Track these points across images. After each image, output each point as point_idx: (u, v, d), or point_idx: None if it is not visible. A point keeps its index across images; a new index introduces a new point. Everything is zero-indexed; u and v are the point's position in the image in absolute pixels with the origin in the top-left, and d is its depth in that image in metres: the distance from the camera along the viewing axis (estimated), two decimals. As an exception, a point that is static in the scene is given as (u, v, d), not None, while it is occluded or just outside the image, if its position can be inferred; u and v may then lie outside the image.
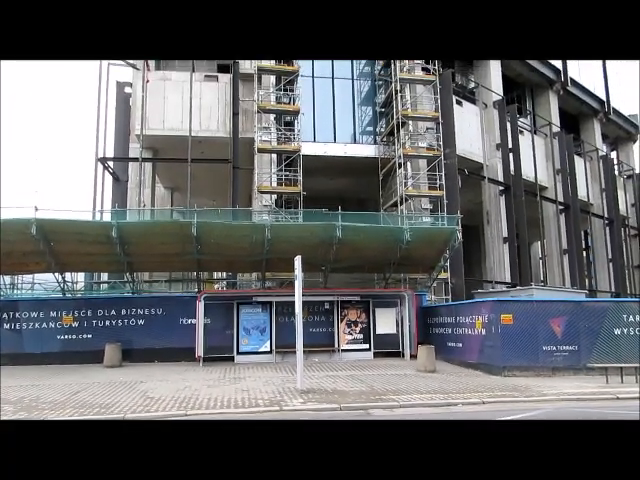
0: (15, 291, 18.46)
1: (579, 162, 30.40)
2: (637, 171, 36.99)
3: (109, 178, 22.83)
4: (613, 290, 29.99)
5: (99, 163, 21.27)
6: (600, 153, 32.99)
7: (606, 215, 31.59)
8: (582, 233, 30.66)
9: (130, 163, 22.22)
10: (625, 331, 12.97)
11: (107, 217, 20.89)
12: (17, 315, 15.84)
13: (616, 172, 34.99)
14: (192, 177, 19.80)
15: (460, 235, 16.55)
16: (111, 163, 22.69)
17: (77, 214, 19.20)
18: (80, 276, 18.89)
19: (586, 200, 30.42)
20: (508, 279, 23.01)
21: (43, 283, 18.01)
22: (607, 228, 31.62)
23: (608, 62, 34.53)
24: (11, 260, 15.44)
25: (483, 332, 13.43)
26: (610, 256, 31.11)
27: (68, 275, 17.26)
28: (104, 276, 20.72)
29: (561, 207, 27.71)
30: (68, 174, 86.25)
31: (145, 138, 20.39)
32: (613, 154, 38.49)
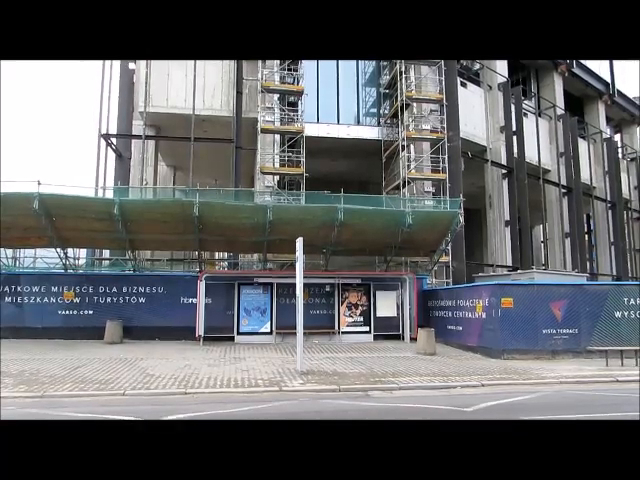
0: (17, 264, 18.58)
1: (583, 145, 30.24)
2: (641, 154, 36.81)
3: (112, 155, 22.78)
4: (614, 273, 30.11)
5: (102, 139, 21.18)
6: (604, 136, 32.78)
7: (609, 198, 31.53)
8: (584, 216, 30.63)
9: (133, 140, 22.14)
10: (626, 314, 13.06)
11: (109, 194, 20.91)
12: (19, 289, 15.98)
13: (620, 155, 34.81)
14: (195, 156, 19.75)
15: (462, 219, 16.57)
16: (114, 140, 22.60)
17: (80, 190, 19.14)
18: (82, 252, 19.01)
19: (589, 183, 30.33)
20: (509, 263, 23.10)
21: (45, 258, 18.11)
22: (609, 211, 31.60)
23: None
24: (12, 234, 15.51)
25: (483, 316, 13.55)
26: (612, 239, 31.15)
27: (70, 251, 17.37)
28: (106, 253, 20.81)
29: (564, 190, 27.65)
30: (71, 150, 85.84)
31: (148, 115, 20.28)
32: (617, 137, 38.24)
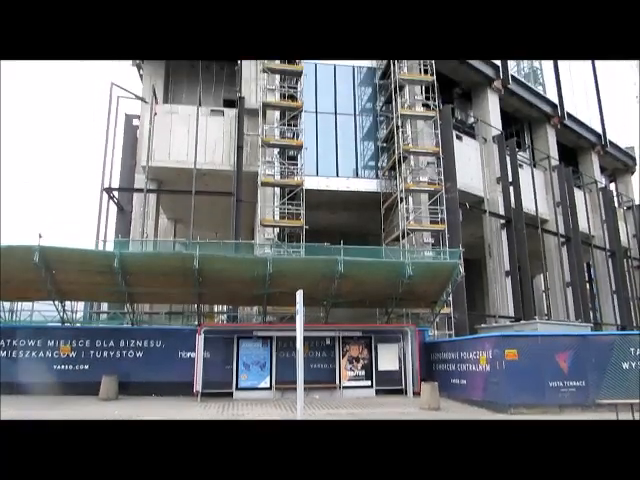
0: (14, 318, 18.37)
1: (579, 194, 30.61)
2: (637, 202, 37.19)
3: (114, 208, 23.01)
4: (619, 323, 29.77)
5: (104, 193, 21.44)
6: (599, 185, 33.25)
7: (608, 247, 31.61)
8: (585, 265, 30.61)
9: (135, 194, 22.41)
10: (633, 365, 12.71)
11: (110, 247, 21.00)
12: (14, 343, 15.70)
13: (616, 204, 35.18)
14: (196, 209, 19.94)
15: (462, 269, 16.54)
16: (116, 193, 22.89)
17: (80, 243, 19.26)
18: (80, 305, 18.83)
19: (587, 232, 30.49)
20: (511, 313, 22.89)
21: (42, 311, 17.93)
22: (609, 260, 31.60)
23: (603, 96, 35.19)
24: (11, 287, 15.42)
25: (487, 368, 13.27)
26: (614, 288, 30.98)
27: (68, 304, 17.21)
28: (104, 306, 20.65)
29: (562, 239, 27.76)
30: (73, 203, 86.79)
31: (150, 170, 20.63)
32: (612, 186, 38.80)
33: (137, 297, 16.89)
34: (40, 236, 14.21)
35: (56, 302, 16.28)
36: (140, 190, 21.16)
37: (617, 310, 30.30)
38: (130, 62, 25.21)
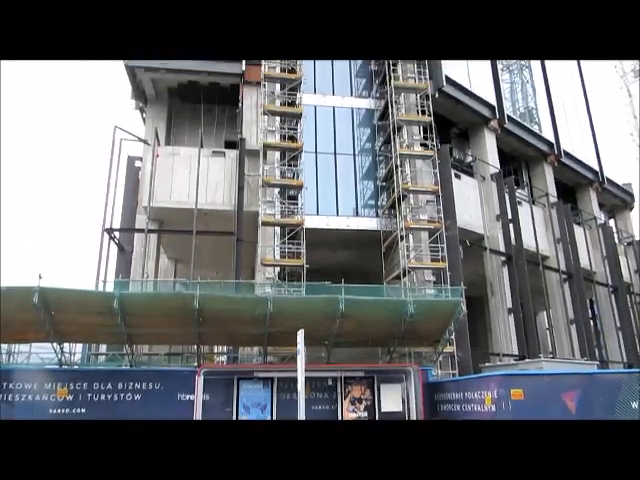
0: (11, 360, 18.12)
1: (579, 231, 30.70)
2: (637, 238, 37.28)
3: (114, 249, 23.06)
4: (625, 360, 29.34)
5: (105, 234, 21.53)
6: (598, 221, 33.40)
7: (610, 283, 31.48)
8: (588, 302, 30.42)
9: (136, 234, 22.51)
10: (642, 404, 12.47)
11: (110, 288, 20.93)
12: (10, 385, 15.41)
13: (616, 240, 35.25)
14: (196, 249, 19.99)
15: (464, 307, 16.42)
16: (117, 234, 22.98)
17: (80, 284, 19.17)
18: (78, 347, 18.61)
19: (589, 268, 30.44)
20: (516, 351, 22.60)
21: (40, 353, 17.71)
22: (612, 296, 31.41)
23: (598, 134, 35.81)
24: (11, 329, 15.27)
25: (493, 409, 12.97)
26: (618, 325, 30.69)
27: (66, 346, 17.00)
28: (102, 348, 20.42)
29: (564, 276, 27.68)
30: (74, 244, 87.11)
31: (152, 210, 20.78)
32: (611, 222, 38.97)
33: (136, 338, 16.71)
34: (40, 277, 14.17)
35: (54, 344, 16.10)
36: (141, 230, 21.26)
37: (623, 347, 29.91)
38: (133, 105, 25.75)
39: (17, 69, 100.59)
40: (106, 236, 21.67)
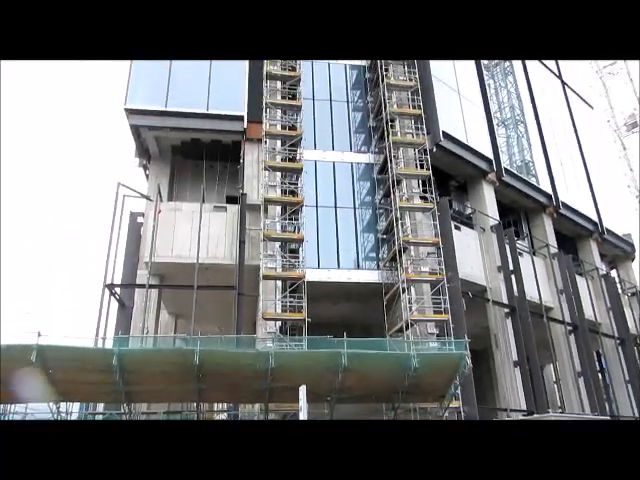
0: (6, 419, 17.63)
1: (581, 282, 30.56)
2: (640, 289, 37.05)
3: (115, 304, 22.91)
4: (637, 415, 28.47)
5: (106, 290, 21.46)
6: (600, 272, 33.27)
7: (616, 335, 31.00)
8: (594, 354, 29.87)
9: (136, 289, 22.44)
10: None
11: (109, 344, 20.61)
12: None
13: (619, 290, 35.01)
14: (197, 303, 19.88)
15: (469, 361, 16.14)
16: (118, 289, 22.90)
17: (79, 341, 18.92)
18: (75, 406, 18.16)
19: (594, 320, 30.06)
20: (523, 405, 22.00)
21: (36, 412, 17.26)
22: (619, 348, 30.85)
23: (595, 185, 36.32)
24: (7, 387, 14.97)
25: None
26: (627, 377, 29.97)
27: (62, 405, 16.59)
28: (99, 406, 19.91)
29: (569, 328, 27.31)
30: (74, 300, 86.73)
31: (153, 265, 20.82)
32: (613, 272, 38.84)
33: (135, 396, 16.36)
34: (39, 334, 14.05)
35: (50, 403, 15.74)
36: (142, 286, 21.22)
37: (633, 400, 29.10)
38: (137, 163, 26.28)
39: (17, 139, 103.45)
40: (107, 292, 21.61)
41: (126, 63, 23.81)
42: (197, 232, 21.11)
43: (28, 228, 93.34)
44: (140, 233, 24.22)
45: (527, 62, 35.38)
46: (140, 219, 24.72)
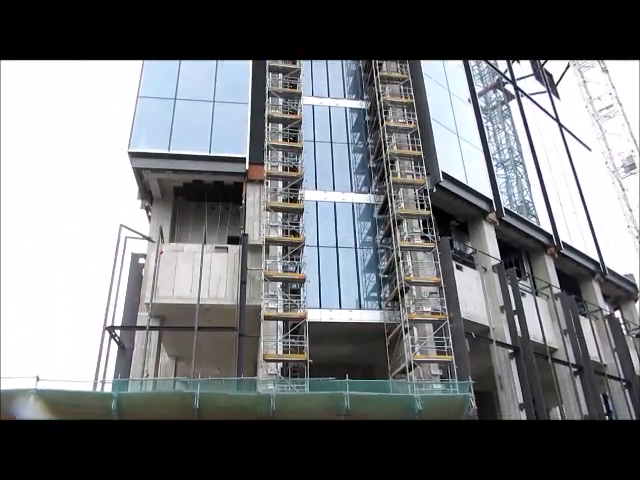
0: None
1: (585, 322, 30.24)
2: (645, 329, 36.60)
3: (114, 346, 22.66)
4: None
5: (106, 332, 21.28)
6: (604, 313, 32.98)
7: (622, 377, 30.45)
8: (601, 396, 29.26)
9: (137, 331, 22.25)
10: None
11: (108, 388, 20.27)
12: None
13: (624, 331, 34.61)
14: (198, 345, 19.69)
15: (474, 402, 15.85)
16: (118, 332, 22.71)
17: (78, 385, 18.62)
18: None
19: (599, 361, 29.60)
20: (530, 450, 21.40)
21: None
22: (626, 390, 30.24)
23: (596, 225, 36.48)
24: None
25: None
26: (635, 419, 29.25)
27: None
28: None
29: (574, 369, 26.86)
30: (73, 343, 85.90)
31: (154, 306, 20.73)
32: (617, 313, 38.50)
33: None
34: (37, 379, 13.88)
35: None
36: (142, 328, 21.07)
37: (644, 445, 28.30)
38: (139, 205, 26.52)
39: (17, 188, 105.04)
40: (107, 334, 21.42)
41: (130, 105, 24.38)
42: (198, 273, 21.11)
43: (30, 270, 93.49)
44: (141, 274, 24.22)
45: (524, 105, 36.23)
46: (142, 260, 24.77)
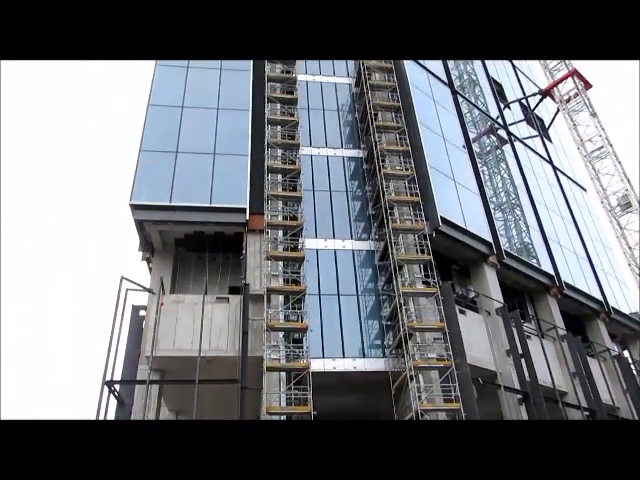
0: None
1: (594, 364, 29.71)
2: (655, 369, 35.90)
3: (114, 401, 22.15)
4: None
5: (105, 387, 20.85)
6: (612, 353, 32.45)
7: (636, 418, 29.63)
8: (615, 441, 28.36)
9: (136, 385, 21.82)
10: None
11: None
12: None
13: (634, 371, 33.94)
14: (199, 398, 19.25)
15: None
16: (117, 386, 22.26)
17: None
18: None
19: (611, 403, 28.89)
20: (545, 501, 20.57)
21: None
22: (641, 434, 29.37)
23: (597, 264, 36.38)
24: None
25: None
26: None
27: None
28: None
29: (586, 413, 26.15)
30: (70, 399, 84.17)
31: (154, 360, 20.41)
32: (626, 353, 37.88)
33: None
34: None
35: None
36: (143, 382, 20.66)
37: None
38: (140, 257, 26.58)
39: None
40: (106, 389, 20.99)
41: (132, 157, 24.81)
42: (199, 324, 20.90)
43: (30, 325, 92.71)
44: (142, 327, 23.98)
45: (517, 149, 36.92)
46: (142, 312, 24.59)
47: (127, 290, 23.33)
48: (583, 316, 34.31)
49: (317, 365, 20.58)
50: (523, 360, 24.12)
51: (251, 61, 29.36)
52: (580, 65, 41.24)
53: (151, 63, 28.71)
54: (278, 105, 28.53)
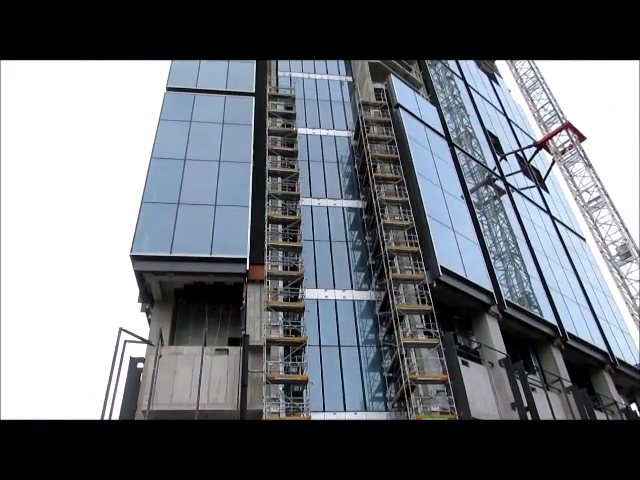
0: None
1: (601, 417, 28.97)
2: (665, 422, 34.96)
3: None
4: None
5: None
6: (620, 406, 31.68)
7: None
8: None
9: (132, 442, 21.21)
10: None
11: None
12: None
13: (644, 425, 33.02)
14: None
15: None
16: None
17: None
18: None
19: (621, 460, 27.96)
20: None
21: None
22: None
23: (599, 314, 36.04)
24: None
25: None
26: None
27: None
28: None
29: (596, 470, 25.31)
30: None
31: (151, 414, 19.93)
32: (633, 405, 37.00)
33: None
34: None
35: None
36: (139, 436, 20.11)
37: None
38: (140, 307, 26.41)
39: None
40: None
41: (133, 212, 25.08)
42: (198, 376, 20.54)
43: (26, 378, 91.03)
44: (139, 379, 23.53)
45: (515, 199, 37.39)
46: (140, 364, 24.19)
47: (125, 342, 23.04)
48: (588, 367, 33.71)
49: (318, 419, 20.06)
50: (529, 413, 23.53)
51: (252, 115, 30.23)
52: (573, 117, 42.36)
53: (159, 91, 29.50)
54: (279, 157, 29.17)
